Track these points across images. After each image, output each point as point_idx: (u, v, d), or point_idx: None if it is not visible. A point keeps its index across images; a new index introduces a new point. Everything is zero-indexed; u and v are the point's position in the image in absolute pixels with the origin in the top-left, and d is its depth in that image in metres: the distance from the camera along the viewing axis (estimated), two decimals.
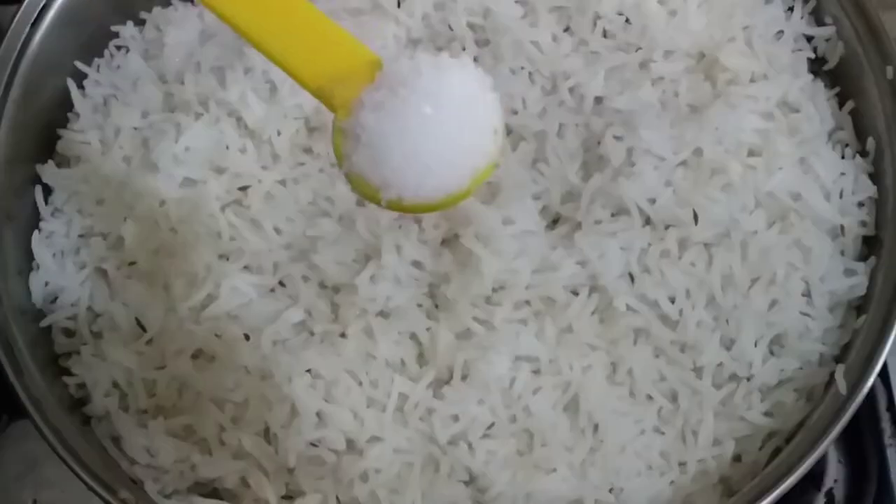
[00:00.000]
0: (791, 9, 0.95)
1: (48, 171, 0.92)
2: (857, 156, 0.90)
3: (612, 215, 0.84)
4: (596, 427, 0.81)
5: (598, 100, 0.91)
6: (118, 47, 0.98)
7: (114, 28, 0.98)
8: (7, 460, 0.94)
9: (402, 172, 0.60)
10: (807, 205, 0.86)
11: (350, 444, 0.80)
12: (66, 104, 0.94)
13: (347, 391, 0.81)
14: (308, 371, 0.82)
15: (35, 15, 0.91)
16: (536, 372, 0.82)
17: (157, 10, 0.99)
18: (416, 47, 0.95)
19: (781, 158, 0.87)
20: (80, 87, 0.95)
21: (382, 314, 0.84)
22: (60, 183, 0.92)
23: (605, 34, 0.94)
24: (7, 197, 0.88)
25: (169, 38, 0.95)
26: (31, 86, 0.91)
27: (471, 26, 0.95)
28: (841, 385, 0.80)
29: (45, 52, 0.91)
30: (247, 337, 0.84)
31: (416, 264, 0.85)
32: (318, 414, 0.80)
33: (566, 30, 0.95)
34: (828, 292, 0.85)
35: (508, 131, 0.91)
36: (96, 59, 0.97)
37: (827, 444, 0.77)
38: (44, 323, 0.87)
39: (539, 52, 0.93)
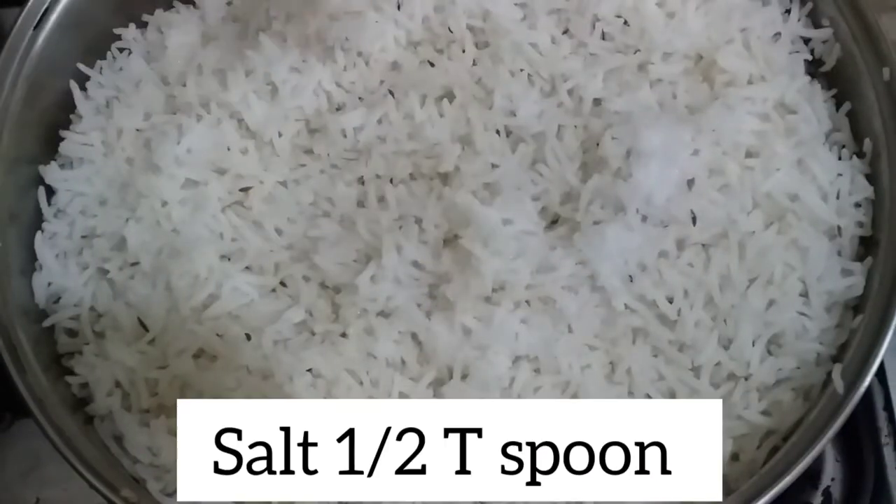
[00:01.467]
0: (788, 11, 0.96)
1: (51, 173, 0.92)
2: (854, 157, 0.90)
3: (611, 216, 0.85)
4: None
5: (597, 101, 0.91)
6: (120, 49, 0.99)
7: (116, 30, 0.99)
8: (10, 459, 0.94)
9: None
10: (804, 205, 0.86)
11: None
12: (68, 106, 0.95)
13: (348, 390, 0.82)
14: (309, 370, 0.82)
15: (38, 17, 0.91)
16: (536, 371, 0.83)
17: (158, 12, 1.00)
18: (416, 49, 0.96)
19: (779, 160, 0.87)
20: (83, 88, 0.96)
21: (383, 314, 0.85)
22: (63, 184, 0.92)
23: (603, 36, 0.95)
24: (10, 198, 0.89)
25: (171, 41, 0.96)
26: (34, 87, 0.91)
27: (470, 28, 0.95)
28: (838, 384, 0.80)
29: (47, 54, 0.92)
30: (248, 337, 0.85)
31: (417, 265, 0.85)
32: None
33: (565, 32, 0.96)
34: (825, 292, 0.85)
35: (508, 133, 0.91)
36: (99, 61, 0.98)
37: (824, 443, 0.78)
38: (47, 323, 0.88)
39: (538, 54, 0.93)
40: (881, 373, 0.91)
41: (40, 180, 0.92)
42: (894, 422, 0.91)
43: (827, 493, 0.91)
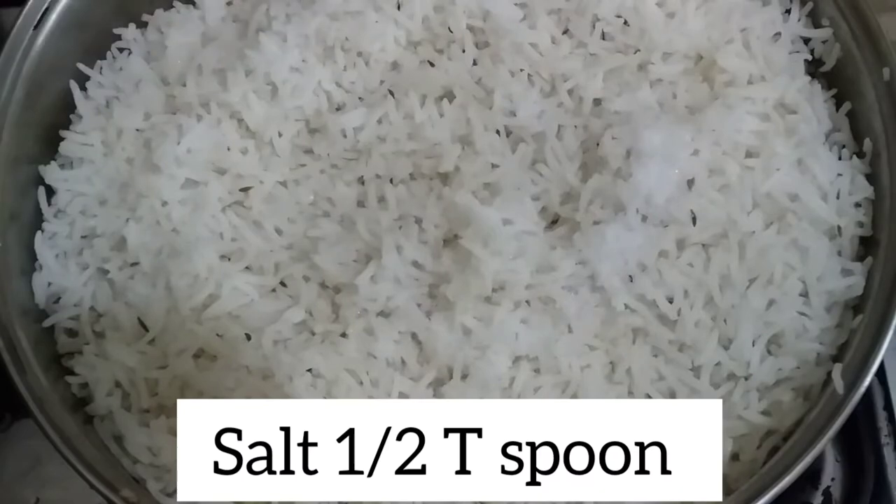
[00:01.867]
0: (788, 11, 0.96)
1: (51, 173, 0.92)
2: (854, 157, 0.90)
3: (611, 216, 0.85)
4: None
5: (597, 101, 0.91)
6: (120, 49, 0.99)
7: (116, 30, 0.99)
8: (10, 459, 0.94)
9: None
10: (804, 205, 0.87)
11: None
12: (68, 106, 0.95)
13: (348, 390, 0.82)
14: (309, 370, 0.82)
15: (38, 17, 0.91)
16: (536, 371, 0.83)
17: (158, 12, 1.00)
18: (416, 49, 0.96)
19: (779, 160, 0.87)
20: (83, 88, 0.96)
21: (383, 314, 0.85)
22: (63, 184, 0.92)
23: (603, 36, 0.95)
24: (10, 198, 0.89)
25: (171, 41, 0.96)
26: (34, 87, 0.91)
27: (470, 28, 0.95)
28: (838, 384, 0.80)
29: (47, 54, 0.92)
30: (248, 337, 0.85)
31: (416, 265, 0.85)
32: None
33: (565, 32, 0.96)
34: (825, 292, 0.85)
35: (508, 133, 0.91)
36: (98, 61, 0.97)
37: (824, 443, 0.78)
38: (47, 323, 0.88)
39: (538, 54, 0.93)
40: (881, 373, 0.91)
41: (40, 180, 0.92)
42: (894, 422, 0.91)
43: (827, 493, 0.91)
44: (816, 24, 0.95)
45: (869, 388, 0.81)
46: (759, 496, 0.76)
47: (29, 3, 0.91)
